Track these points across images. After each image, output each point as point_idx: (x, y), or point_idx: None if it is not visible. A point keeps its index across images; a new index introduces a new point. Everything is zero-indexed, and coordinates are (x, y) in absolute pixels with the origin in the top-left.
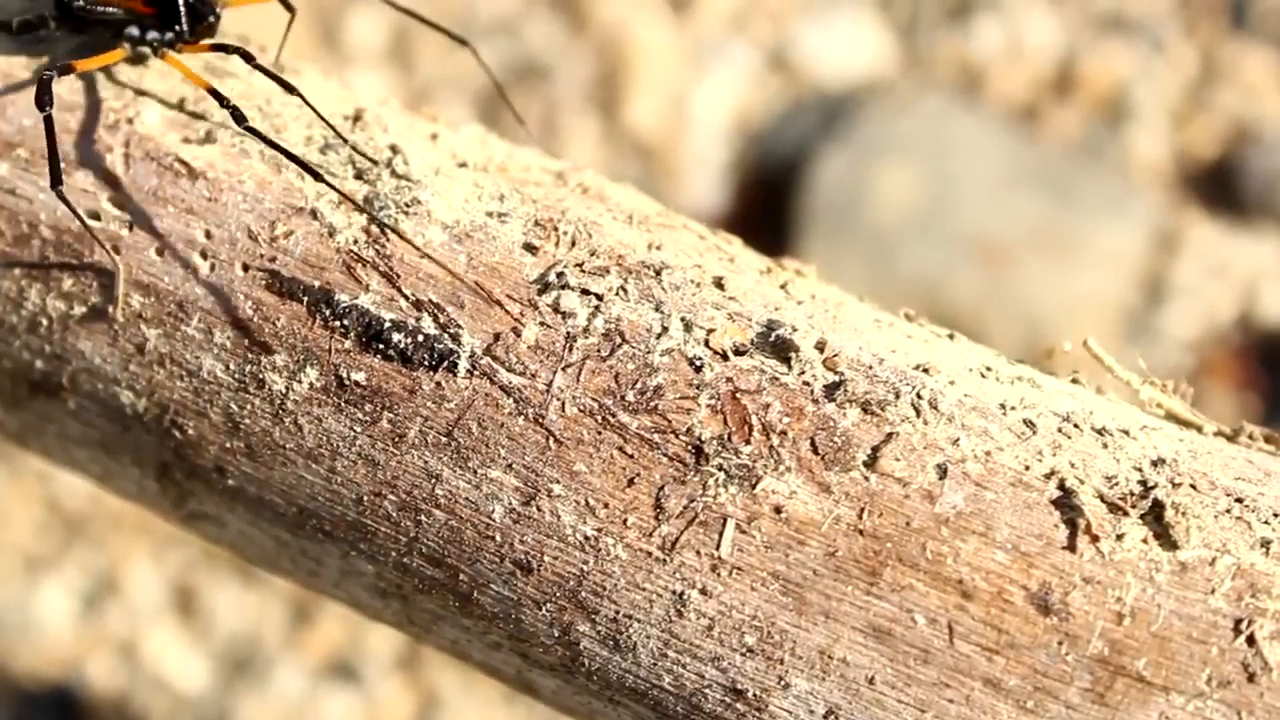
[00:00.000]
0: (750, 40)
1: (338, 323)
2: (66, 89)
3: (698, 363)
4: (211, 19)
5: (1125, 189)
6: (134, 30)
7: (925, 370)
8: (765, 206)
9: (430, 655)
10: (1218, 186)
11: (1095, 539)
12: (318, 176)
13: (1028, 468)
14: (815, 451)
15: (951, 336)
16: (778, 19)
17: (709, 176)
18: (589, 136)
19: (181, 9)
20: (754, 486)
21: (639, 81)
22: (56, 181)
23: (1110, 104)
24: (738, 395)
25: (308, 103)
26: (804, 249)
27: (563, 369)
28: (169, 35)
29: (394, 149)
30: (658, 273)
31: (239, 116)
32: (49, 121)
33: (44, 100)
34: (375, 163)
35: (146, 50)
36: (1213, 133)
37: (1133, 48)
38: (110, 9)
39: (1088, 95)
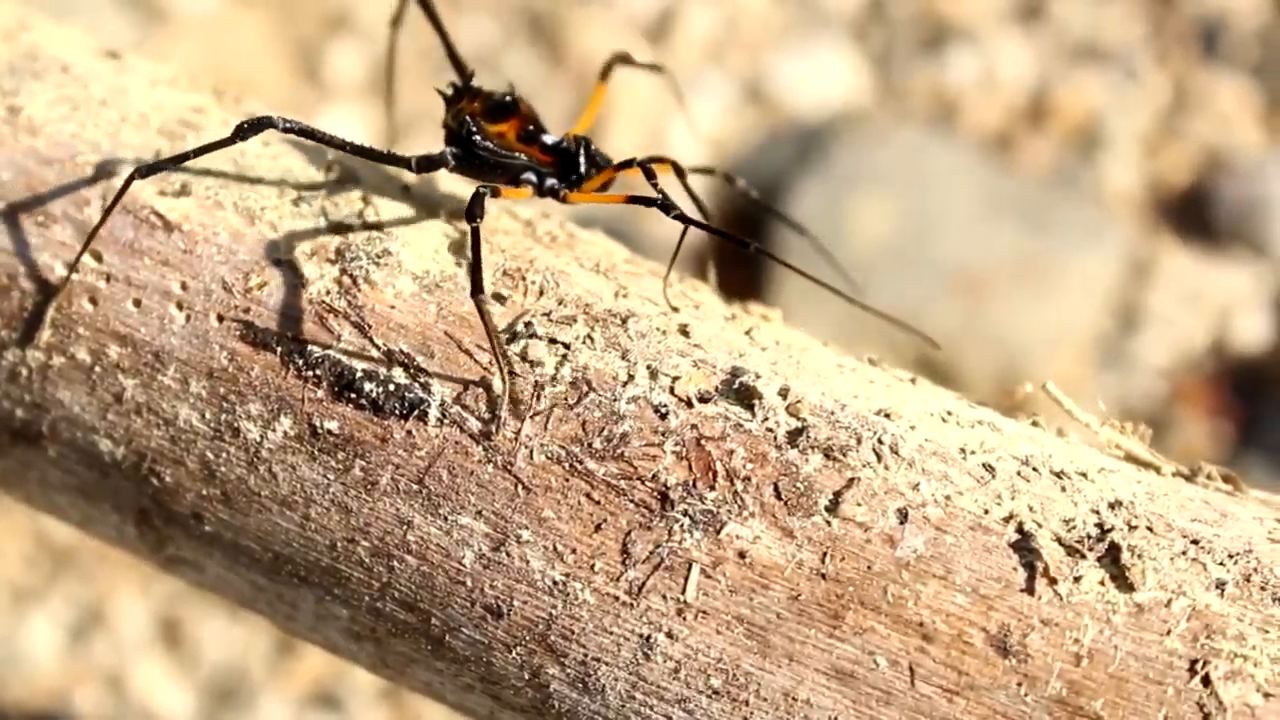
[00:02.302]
0: (727, 72)
1: (310, 372)
2: (45, 143)
3: (663, 410)
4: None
5: (1099, 218)
6: (532, 176)
7: (887, 415)
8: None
9: None
10: (1190, 214)
11: (1053, 582)
12: (805, 275)
13: (987, 511)
14: (778, 497)
15: (914, 381)
16: (754, 50)
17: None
18: None
19: (581, 162)
20: (718, 532)
21: (617, 113)
22: (477, 290)
23: (1083, 133)
24: (702, 442)
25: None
26: (780, 281)
27: (531, 417)
28: (568, 182)
29: (365, 199)
30: (624, 321)
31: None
32: (476, 233)
33: (475, 213)
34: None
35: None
36: (1185, 161)
37: (1105, 77)
38: (513, 155)
39: (1061, 125)
